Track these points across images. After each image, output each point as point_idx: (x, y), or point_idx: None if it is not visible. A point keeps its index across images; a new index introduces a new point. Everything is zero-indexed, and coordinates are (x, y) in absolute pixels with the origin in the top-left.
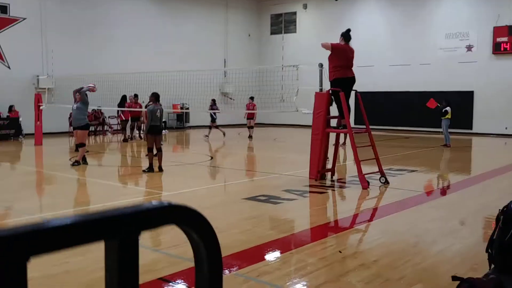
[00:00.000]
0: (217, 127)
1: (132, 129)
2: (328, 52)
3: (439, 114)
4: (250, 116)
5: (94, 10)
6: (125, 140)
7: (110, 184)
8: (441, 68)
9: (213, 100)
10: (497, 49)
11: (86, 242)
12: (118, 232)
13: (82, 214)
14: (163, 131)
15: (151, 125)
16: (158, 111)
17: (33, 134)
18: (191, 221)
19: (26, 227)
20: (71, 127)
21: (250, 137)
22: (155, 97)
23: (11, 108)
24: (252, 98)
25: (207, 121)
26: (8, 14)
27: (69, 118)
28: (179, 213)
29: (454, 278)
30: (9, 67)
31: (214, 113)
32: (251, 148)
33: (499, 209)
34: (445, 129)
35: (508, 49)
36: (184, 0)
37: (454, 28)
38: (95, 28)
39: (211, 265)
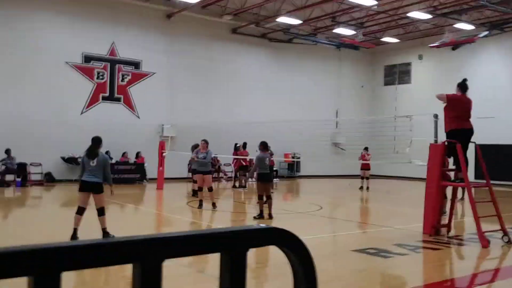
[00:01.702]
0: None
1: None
2: (443, 103)
3: None
4: (365, 167)
5: (214, 64)
6: (234, 187)
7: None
8: None
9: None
10: None
11: (205, 253)
12: (231, 247)
13: (197, 230)
14: (274, 179)
15: (261, 172)
16: (267, 159)
17: (156, 178)
18: (290, 244)
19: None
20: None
21: (362, 188)
22: (263, 146)
23: (138, 154)
24: (366, 148)
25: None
26: (140, 69)
27: (189, 164)
28: (280, 236)
29: None
30: (138, 117)
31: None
32: (363, 200)
33: None
34: None
35: None
36: (299, 54)
37: None
38: (214, 80)
39: (308, 285)
